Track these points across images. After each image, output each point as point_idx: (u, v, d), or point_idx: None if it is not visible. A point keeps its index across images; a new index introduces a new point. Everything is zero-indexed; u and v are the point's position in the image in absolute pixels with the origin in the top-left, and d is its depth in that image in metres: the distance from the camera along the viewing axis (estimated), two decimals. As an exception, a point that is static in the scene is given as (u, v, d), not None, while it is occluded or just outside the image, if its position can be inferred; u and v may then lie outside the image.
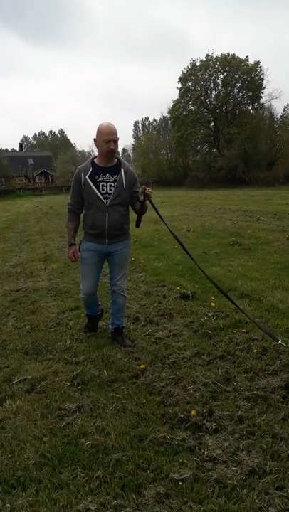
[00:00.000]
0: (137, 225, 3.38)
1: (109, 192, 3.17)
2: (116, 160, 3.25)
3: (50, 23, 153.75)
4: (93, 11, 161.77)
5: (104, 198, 3.17)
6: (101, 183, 3.17)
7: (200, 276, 5.31)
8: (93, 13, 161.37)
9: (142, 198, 3.13)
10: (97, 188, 3.16)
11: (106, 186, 3.17)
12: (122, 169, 3.22)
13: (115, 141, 3.12)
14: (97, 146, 3.18)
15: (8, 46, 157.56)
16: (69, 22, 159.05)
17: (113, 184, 3.18)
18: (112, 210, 3.19)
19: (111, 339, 3.55)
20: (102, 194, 3.17)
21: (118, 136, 3.14)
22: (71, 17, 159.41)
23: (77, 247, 3.39)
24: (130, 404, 2.55)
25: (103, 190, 3.17)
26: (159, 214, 3.36)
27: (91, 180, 3.17)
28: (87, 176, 3.17)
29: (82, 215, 3.39)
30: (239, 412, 2.38)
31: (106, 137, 3.07)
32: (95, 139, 3.17)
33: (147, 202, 3.21)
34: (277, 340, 3.03)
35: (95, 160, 3.26)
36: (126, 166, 3.26)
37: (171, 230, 3.47)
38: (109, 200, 3.17)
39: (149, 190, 3.12)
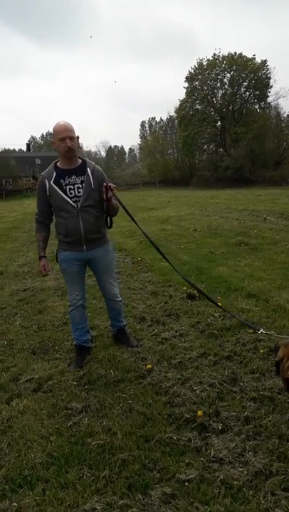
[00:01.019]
0: (109, 225, 3.20)
1: (77, 195, 2.98)
2: (80, 160, 3.07)
3: (56, 22, 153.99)
4: (100, 10, 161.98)
5: (73, 202, 2.98)
6: (68, 187, 2.98)
7: (206, 276, 5.30)
8: (99, 13, 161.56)
9: (105, 196, 2.98)
10: (64, 192, 2.97)
11: (73, 189, 2.98)
12: (88, 169, 3.03)
13: (71, 138, 2.91)
14: (56, 149, 3.00)
15: (15, 47, 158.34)
16: (74, 22, 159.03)
17: (81, 186, 2.99)
18: (84, 213, 3.00)
19: (115, 341, 3.53)
20: (70, 198, 2.98)
21: (75, 133, 2.96)
22: (77, 17, 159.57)
23: (54, 258, 3.21)
24: (137, 405, 2.56)
25: (71, 193, 2.98)
26: (128, 213, 3.14)
27: (57, 185, 2.97)
28: (51, 182, 2.98)
29: (52, 224, 3.18)
30: (246, 413, 2.38)
31: (60, 135, 2.89)
32: (52, 142, 3.01)
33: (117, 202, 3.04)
34: (258, 330, 2.99)
35: (57, 164, 3.06)
36: (92, 165, 3.08)
37: (145, 234, 3.42)
38: (79, 203, 2.98)
39: (112, 186, 2.96)
